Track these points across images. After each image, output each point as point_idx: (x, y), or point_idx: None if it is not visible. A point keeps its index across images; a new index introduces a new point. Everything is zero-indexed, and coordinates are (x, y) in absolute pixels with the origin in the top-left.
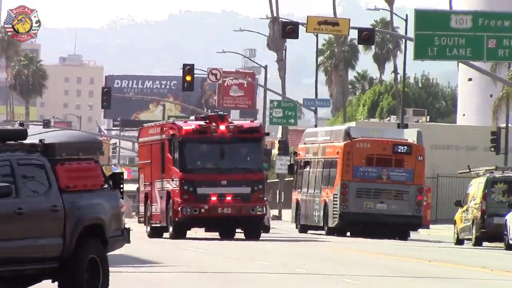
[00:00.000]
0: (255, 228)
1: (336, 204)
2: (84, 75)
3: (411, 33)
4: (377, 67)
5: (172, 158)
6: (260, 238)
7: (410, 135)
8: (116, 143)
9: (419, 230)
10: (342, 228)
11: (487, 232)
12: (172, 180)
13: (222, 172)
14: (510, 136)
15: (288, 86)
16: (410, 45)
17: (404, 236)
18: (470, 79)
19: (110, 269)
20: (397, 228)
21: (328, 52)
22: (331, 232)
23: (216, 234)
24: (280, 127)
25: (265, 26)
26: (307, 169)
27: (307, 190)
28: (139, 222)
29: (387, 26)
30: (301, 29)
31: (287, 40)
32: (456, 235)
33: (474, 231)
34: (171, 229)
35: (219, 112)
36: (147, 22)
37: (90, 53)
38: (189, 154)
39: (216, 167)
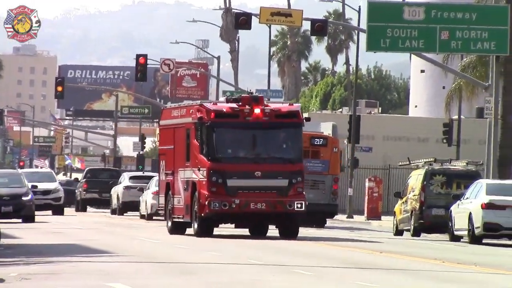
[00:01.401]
0: (292, 226)
1: None
2: (37, 65)
3: (363, 25)
4: (330, 58)
5: (199, 145)
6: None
7: (326, 128)
8: (69, 132)
9: (370, 221)
10: None
11: (425, 223)
12: (199, 170)
13: (256, 162)
14: (462, 128)
15: (240, 77)
16: (363, 37)
17: (321, 224)
18: (422, 71)
19: (60, 258)
20: (315, 216)
21: (281, 43)
22: None
23: (246, 231)
24: None
25: (218, 17)
26: None
27: None
28: (159, 214)
29: (340, 18)
30: (254, 20)
31: (240, 31)
32: (395, 226)
33: (412, 222)
34: (196, 225)
35: (254, 94)
36: (101, 12)
37: (44, 43)
38: (219, 141)
39: (249, 156)
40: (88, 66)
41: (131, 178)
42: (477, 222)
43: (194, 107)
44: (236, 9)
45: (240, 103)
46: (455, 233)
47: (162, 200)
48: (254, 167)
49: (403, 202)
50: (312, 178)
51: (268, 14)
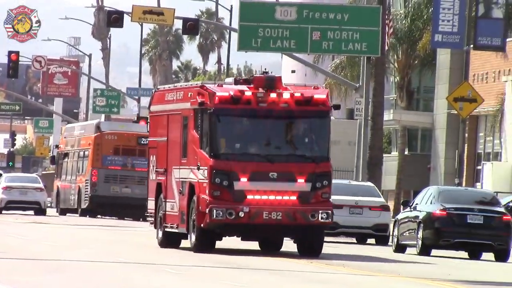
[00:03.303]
0: (315, 242)
1: (87, 189)
2: None
3: (236, 24)
4: (201, 57)
5: (199, 137)
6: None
7: None
8: None
9: None
10: (93, 209)
11: None
12: (198, 169)
13: (271, 160)
14: (332, 129)
15: (112, 75)
16: (235, 36)
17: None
18: (293, 71)
19: None
20: (141, 210)
21: (153, 41)
22: (83, 213)
23: (255, 244)
24: (103, 116)
25: (90, 15)
26: (66, 159)
27: (66, 178)
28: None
29: (212, 17)
30: (126, 18)
31: (112, 29)
32: None
33: None
34: (193, 237)
35: (269, 73)
36: None
37: None
38: (224, 133)
39: (262, 152)
40: None
41: None
42: None
43: (193, 89)
44: (109, 7)
45: (252, 85)
46: None
47: (151, 204)
48: (269, 167)
49: None
50: (139, 174)
51: (140, 13)
